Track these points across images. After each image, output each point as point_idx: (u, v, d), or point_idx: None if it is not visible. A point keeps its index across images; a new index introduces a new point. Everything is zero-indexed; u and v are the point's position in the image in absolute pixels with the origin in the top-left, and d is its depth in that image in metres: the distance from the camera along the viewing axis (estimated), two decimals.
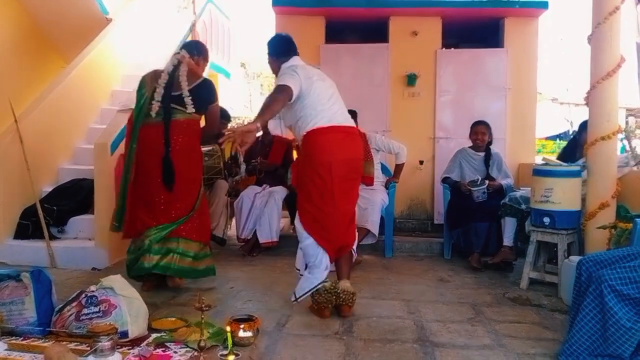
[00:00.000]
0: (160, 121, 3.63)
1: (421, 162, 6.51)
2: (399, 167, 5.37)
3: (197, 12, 7.31)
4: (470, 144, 5.20)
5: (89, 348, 2.52)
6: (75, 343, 2.71)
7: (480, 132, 5.04)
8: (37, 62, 6.82)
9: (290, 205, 5.55)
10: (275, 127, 3.30)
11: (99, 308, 2.80)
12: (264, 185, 5.39)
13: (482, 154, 5.09)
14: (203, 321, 2.64)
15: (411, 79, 6.49)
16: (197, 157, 3.88)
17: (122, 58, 6.96)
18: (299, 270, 3.56)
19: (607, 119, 3.74)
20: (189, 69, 3.71)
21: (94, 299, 2.83)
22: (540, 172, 3.99)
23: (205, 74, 4.01)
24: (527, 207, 4.27)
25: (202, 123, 3.96)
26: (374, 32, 6.75)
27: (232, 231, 5.66)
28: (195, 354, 2.61)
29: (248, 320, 2.85)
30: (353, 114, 4.09)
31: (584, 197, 3.90)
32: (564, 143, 12.68)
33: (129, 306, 2.81)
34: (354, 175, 3.43)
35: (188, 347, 2.72)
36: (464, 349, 2.83)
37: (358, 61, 6.54)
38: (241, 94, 21.82)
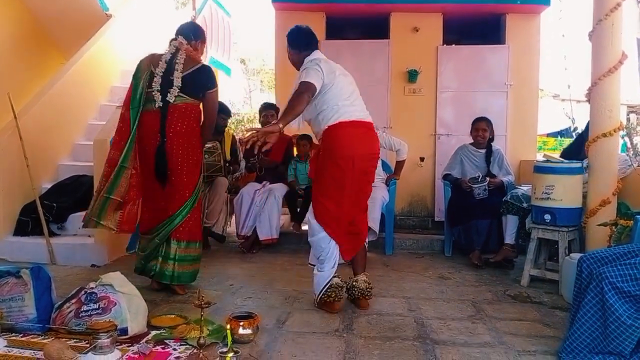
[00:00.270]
0: (157, 109, 3.55)
1: (422, 159, 6.51)
2: (399, 164, 5.37)
3: (197, 8, 7.29)
4: (471, 141, 5.19)
5: (88, 345, 2.52)
6: (75, 340, 2.72)
7: (481, 129, 5.03)
8: (36, 58, 6.81)
9: (290, 202, 5.55)
10: (294, 122, 3.28)
11: (99, 305, 2.79)
12: (264, 182, 5.39)
13: (483, 150, 5.08)
14: (202, 318, 2.63)
15: (412, 76, 6.47)
16: (197, 142, 3.71)
17: (122, 54, 6.94)
18: (314, 265, 3.54)
19: (608, 116, 3.72)
20: (186, 56, 3.63)
21: (93, 295, 2.83)
22: (541, 169, 3.98)
23: (204, 57, 3.93)
24: (528, 205, 4.26)
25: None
26: (375, 28, 6.74)
27: (231, 228, 5.66)
28: (195, 351, 2.60)
29: (248, 317, 2.84)
30: None
31: (585, 194, 3.89)
32: (565, 140, 12.66)
33: (128, 303, 2.80)
34: (371, 169, 3.48)
35: (187, 344, 2.71)
36: (464, 346, 2.82)
37: (358, 57, 6.52)
38: (241, 90, 21.80)
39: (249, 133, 3.00)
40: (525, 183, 5.02)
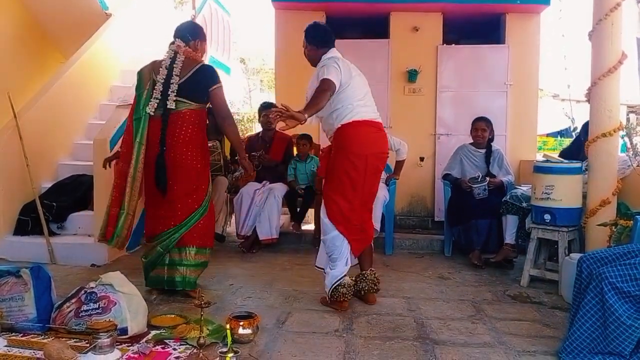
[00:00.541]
0: (159, 116, 3.50)
1: (422, 159, 6.51)
2: (399, 164, 5.36)
3: (197, 7, 7.29)
4: (471, 141, 5.19)
5: (88, 344, 2.52)
6: (75, 339, 2.72)
7: (480, 129, 5.03)
8: (36, 57, 6.81)
9: (290, 202, 5.55)
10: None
11: (99, 304, 2.80)
12: (264, 182, 5.38)
13: (483, 150, 5.08)
14: (202, 318, 2.64)
15: (412, 75, 6.47)
16: (202, 150, 3.61)
17: (121, 53, 6.94)
18: (322, 269, 3.58)
19: (608, 116, 3.72)
20: (185, 58, 3.55)
21: (93, 295, 2.83)
22: (541, 169, 3.98)
23: (205, 56, 3.82)
24: (528, 205, 4.26)
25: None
26: (375, 27, 6.74)
27: (231, 228, 5.66)
28: (195, 351, 2.60)
29: (247, 317, 2.84)
30: None
31: (584, 194, 3.89)
32: (565, 140, 12.67)
33: (128, 303, 2.80)
34: (381, 168, 3.58)
35: (187, 344, 2.72)
36: (464, 346, 2.82)
37: (358, 57, 6.45)
38: (241, 89, 21.79)
39: (280, 107, 3.04)
40: (525, 183, 5.02)
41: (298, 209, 5.62)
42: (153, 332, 2.86)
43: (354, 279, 3.54)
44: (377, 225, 4.82)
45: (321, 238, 3.55)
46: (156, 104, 3.47)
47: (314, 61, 3.59)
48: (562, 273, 3.77)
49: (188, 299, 3.50)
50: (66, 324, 2.80)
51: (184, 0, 14.54)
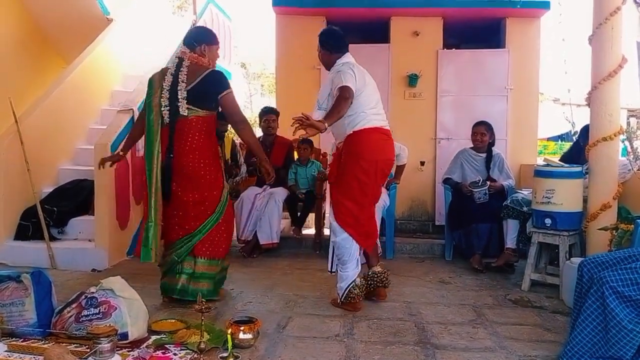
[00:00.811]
0: (167, 124, 3.44)
1: (422, 163, 6.51)
2: (400, 168, 5.36)
3: (198, 12, 7.30)
4: (472, 145, 5.19)
5: (88, 350, 2.52)
6: (75, 345, 2.71)
7: (479, 133, 5.02)
8: (37, 62, 6.83)
9: (290, 206, 5.55)
10: (317, 118, 3.31)
11: (99, 309, 2.79)
12: (265, 186, 5.38)
13: (484, 155, 5.08)
14: (203, 323, 2.63)
15: (412, 80, 6.48)
16: (211, 157, 3.54)
17: (123, 58, 6.96)
18: (334, 272, 3.68)
19: (608, 120, 3.72)
20: (191, 64, 3.49)
21: (93, 300, 2.83)
22: (541, 173, 3.98)
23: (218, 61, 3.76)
24: (528, 209, 4.26)
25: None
26: (375, 32, 6.75)
27: None
28: (195, 356, 2.60)
29: (248, 322, 2.84)
30: None
31: (585, 198, 3.89)
32: (565, 144, 12.66)
33: (128, 308, 2.80)
34: (388, 173, 3.73)
35: (188, 349, 2.71)
36: (465, 351, 2.82)
37: (359, 62, 6.40)
38: (242, 94, 21.83)
39: (299, 115, 3.09)
40: (525, 187, 5.02)
41: (299, 214, 5.62)
42: (153, 337, 2.85)
43: (363, 277, 3.61)
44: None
45: (331, 240, 3.63)
46: (167, 112, 3.43)
47: (327, 65, 3.68)
48: (563, 277, 3.77)
49: (189, 304, 3.50)
50: (67, 329, 2.80)
51: (183, 6, 14.60)
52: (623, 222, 3.52)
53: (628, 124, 13.31)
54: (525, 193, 4.54)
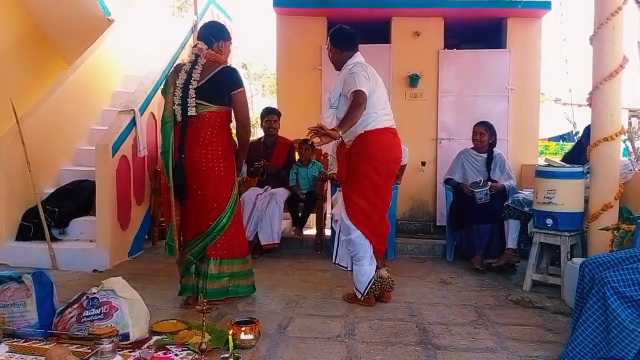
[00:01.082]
0: (179, 122, 3.43)
1: (423, 164, 6.50)
2: (401, 169, 5.34)
3: (199, 12, 7.30)
4: (473, 145, 5.18)
5: (90, 350, 2.52)
6: (77, 345, 2.71)
7: (479, 133, 5.02)
8: (38, 63, 6.83)
9: (291, 207, 5.54)
10: (328, 117, 3.32)
11: (100, 310, 2.79)
12: (266, 187, 5.39)
13: (484, 155, 5.07)
14: (204, 324, 2.63)
15: (413, 80, 6.48)
16: (224, 152, 3.51)
17: (124, 59, 6.96)
18: (345, 267, 3.77)
19: (610, 120, 3.72)
20: (207, 61, 3.46)
21: (95, 301, 2.83)
22: (543, 173, 3.97)
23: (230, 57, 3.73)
24: (530, 210, 4.26)
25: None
26: (376, 32, 6.75)
27: None
28: (197, 356, 2.60)
29: (249, 322, 2.84)
30: None
31: (586, 198, 3.88)
32: (567, 144, 12.65)
33: (130, 308, 2.80)
34: (396, 171, 3.79)
35: (189, 349, 2.71)
36: (466, 351, 2.82)
37: None
38: None
39: (314, 125, 3.19)
40: (526, 187, 5.01)
41: (300, 214, 5.62)
42: (155, 338, 2.86)
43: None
44: None
45: (342, 239, 3.67)
46: (180, 110, 3.43)
47: (338, 64, 3.71)
48: (564, 278, 3.76)
49: (189, 305, 3.50)
50: (68, 330, 2.80)
51: (183, 6, 14.61)
52: (624, 222, 3.52)
53: (629, 124, 13.27)
54: (526, 193, 4.54)
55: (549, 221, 3.89)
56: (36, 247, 4.72)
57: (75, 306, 2.86)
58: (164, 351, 2.71)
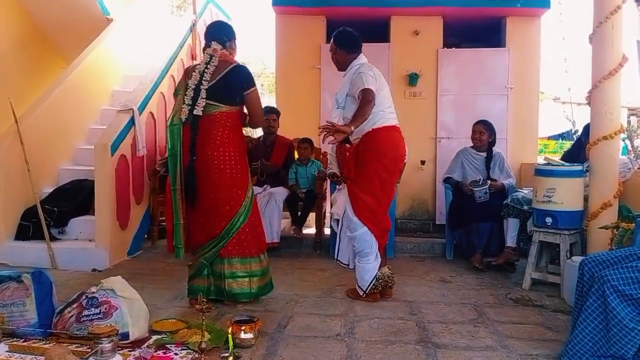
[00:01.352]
0: (189, 123, 3.38)
1: (423, 162, 6.50)
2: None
3: (198, 12, 7.30)
4: (472, 144, 5.18)
5: (89, 350, 2.52)
6: (76, 345, 2.71)
7: (478, 131, 5.02)
8: (37, 62, 6.83)
9: (290, 206, 5.54)
10: (335, 117, 3.35)
11: (100, 309, 2.79)
12: (265, 186, 5.39)
13: (484, 154, 5.07)
14: (204, 323, 2.63)
15: (412, 79, 6.48)
16: (236, 153, 3.46)
17: (122, 58, 6.96)
18: (347, 265, 3.88)
19: (609, 119, 3.72)
20: (220, 61, 3.44)
21: (94, 300, 2.83)
22: (542, 172, 3.98)
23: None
24: (529, 208, 4.26)
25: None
26: (375, 31, 6.74)
27: None
28: (196, 355, 2.60)
29: (249, 321, 2.84)
30: None
31: (586, 197, 3.89)
32: (566, 143, 12.65)
33: (129, 307, 2.80)
34: (401, 169, 3.88)
35: (189, 348, 2.71)
36: (466, 350, 2.82)
37: None
38: None
39: (325, 123, 3.26)
40: (526, 186, 5.01)
41: (299, 213, 5.62)
42: (154, 337, 2.85)
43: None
44: None
45: (347, 235, 3.72)
46: (188, 110, 3.38)
47: (343, 65, 3.76)
48: (564, 276, 3.77)
49: (189, 301, 3.50)
50: (67, 329, 2.80)
51: (182, 6, 14.60)
52: (624, 220, 3.53)
53: (628, 122, 13.30)
54: (525, 192, 4.54)
55: (549, 220, 3.89)
56: (35, 246, 4.71)
57: (74, 305, 2.86)
58: (164, 350, 2.70)
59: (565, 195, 3.81)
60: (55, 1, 6.65)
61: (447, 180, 5.21)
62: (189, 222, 3.51)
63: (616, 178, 3.77)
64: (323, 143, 3.71)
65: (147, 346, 2.74)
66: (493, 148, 5.09)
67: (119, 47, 6.87)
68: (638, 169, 3.94)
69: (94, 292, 2.86)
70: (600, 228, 3.64)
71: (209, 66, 3.44)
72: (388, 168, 3.61)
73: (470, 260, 4.74)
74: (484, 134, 5.00)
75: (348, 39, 3.76)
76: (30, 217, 4.85)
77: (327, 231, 5.52)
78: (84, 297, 2.86)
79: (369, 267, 3.63)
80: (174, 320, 3.11)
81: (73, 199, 5.12)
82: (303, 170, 5.57)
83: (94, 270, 4.50)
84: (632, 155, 4.03)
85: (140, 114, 5.25)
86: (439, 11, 6.50)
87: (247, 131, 3.78)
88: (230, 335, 2.56)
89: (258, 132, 6.87)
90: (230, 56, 3.55)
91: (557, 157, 4.90)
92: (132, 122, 5.13)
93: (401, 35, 6.55)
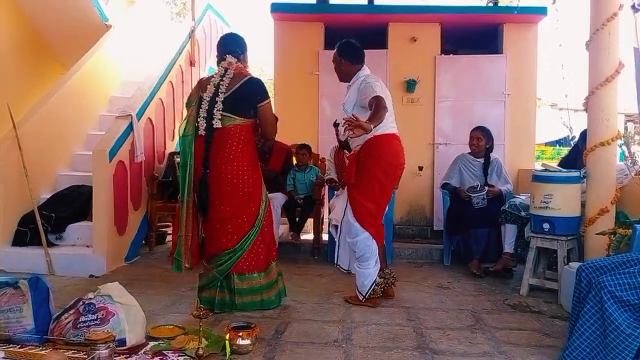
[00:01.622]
0: (203, 135, 3.39)
1: (420, 168, 6.51)
2: None
3: (197, 18, 7.32)
4: (470, 150, 5.19)
5: (86, 356, 2.51)
6: (73, 351, 2.70)
7: (476, 138, 5.04)
8: (36, 68, 6.84)
9: (288, 212, 5.54)
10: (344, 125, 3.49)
11: (97, 316, 2.78)
12: None
13: (481, 160, 5.08)
14: (201, 329, 2.63)
15: (410, 85, 6.49)
16: (250, 167, 3.48)
17: (121, 64, 6.97)
18: (347, 270, 3.96)
19: (606, 125, 3.74)
20: (234, 74, 3.47)
21: (91, 306, 2.82)
22: (539, 178, 3.98)
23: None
24: (526, 214, 4.26)
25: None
26: (373, 38, 6.75)
27: None
28: None
29: (246, 327, 2.83)
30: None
31: (583, 203, 3.89)
32: (563, 149, 12.69)
33: (126, 314, 2.79)
34: (400, 177, 3.95)
35: (186, 355, 2.70)
36: (463, 356, 2.81)
37: None
38: None
39: (349, 118, 3.26)
40: (523, 192, 5.02)
41: (297, 219, 5.61)
42: (152, 343, 2.85)
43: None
44: None
45: (348, 241, 3.76)
46: (205, 124, 3.40)
47: (347, 76, 3.87)
48: (561, 282, 3.77)
49: (187, 307, 3.49)
50: (64, 335, 2.79)
51: (181, 12, 14.63)
52: (621, 226, 3.54)
53: (625, 128, 13.36)
54: (523, 198, 4.55)
55: (546, 226, 3.89)
56: (32, 252, 4.70)
57: (71, 312, 2.85)
58: (161, 357, 2.69)
59: (562, 201, 3.82)
60: (55, 7, 6.67)
61: (444, 186, 5.22)
62: (205, 231, 3.54)
63: (613, 184, 3.78)
64: (343, 135, 3.79)
65: (144, 352, 2.73)
66: (491, 154, 5.10)
67: (118, 53, 6.89)
68: (635, 175, 3.95)
69: (91, 298, 2.85)
70: (598, 234, 3.65)
71: (224, 79, 3.46)
72: (388, 174, 3.68)
73: (468, 266, 4.74)
74: (481, 140, 5.02)
75: (353, 50, 3.87)
76: (28, 223, 4.84)
77: (325, 237, 5.51)
78: (81, 303, 2.86)
79: (369, 272, 3.66)
80: (172, 327, 3.11)
81: (71, 204, 5.12)
82: (301, 176, 5.58)
83: (91, 276, 4.49)
84: (629, 161, 4.05)
85: (138, 120, 5.26)
86: (437, 18, 6.53)
87: None
88: (227, 342, 2.56)
89: None
90: (244, 69, 3.60)
91: (554, 163, 4.91)
92: (130, 128, 5.13)
93: (399, 41, 6.57)
